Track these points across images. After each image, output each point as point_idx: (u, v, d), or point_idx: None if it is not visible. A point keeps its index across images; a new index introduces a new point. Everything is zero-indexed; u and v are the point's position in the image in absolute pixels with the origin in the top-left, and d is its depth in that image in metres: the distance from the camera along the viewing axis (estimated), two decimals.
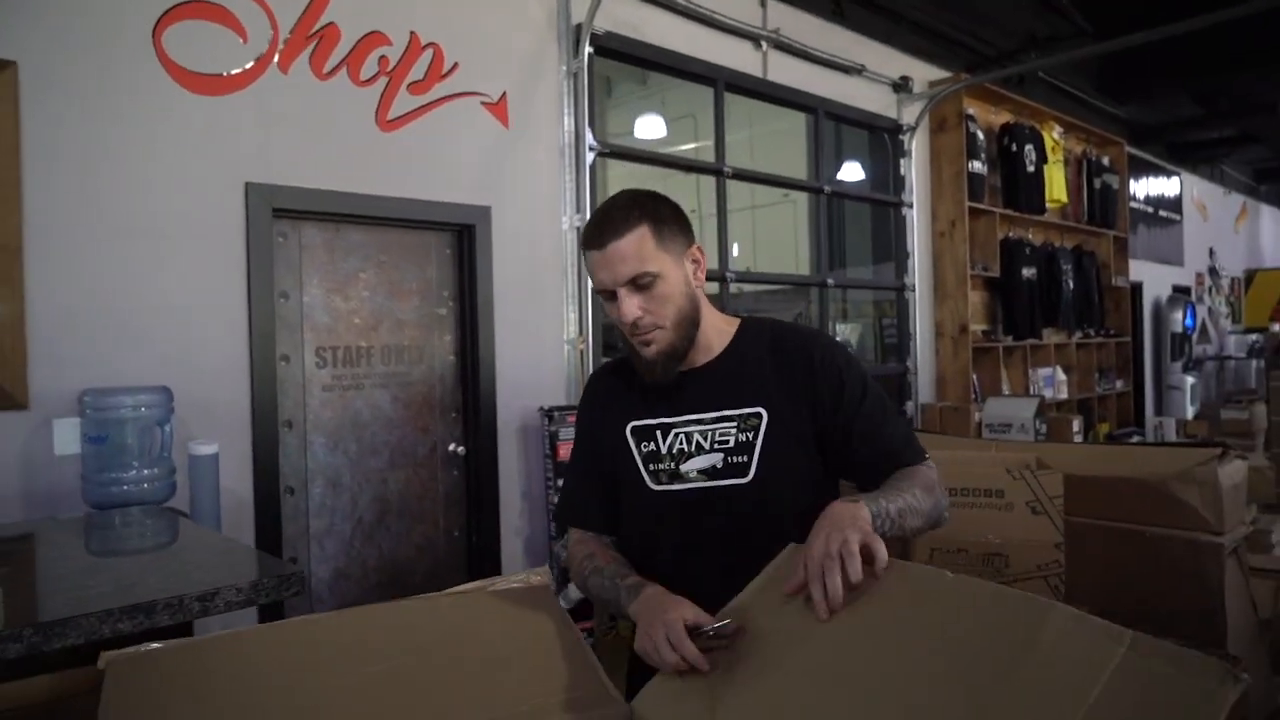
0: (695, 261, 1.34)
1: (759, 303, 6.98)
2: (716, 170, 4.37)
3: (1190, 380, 8.69)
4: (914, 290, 5.51)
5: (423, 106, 3.26)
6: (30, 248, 2.40)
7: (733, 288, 4.50)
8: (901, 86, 5.51)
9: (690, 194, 8.17)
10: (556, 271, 3.70)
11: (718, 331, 1.39)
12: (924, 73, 5.70)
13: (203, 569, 1.52)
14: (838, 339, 5.21)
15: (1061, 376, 6.61)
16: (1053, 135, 6.64)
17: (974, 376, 5.70)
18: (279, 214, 2.92)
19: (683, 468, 1.32)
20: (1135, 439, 6.60)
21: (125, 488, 2.34)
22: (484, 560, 3.40)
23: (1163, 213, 9.17)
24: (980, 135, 5.90)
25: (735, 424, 1.31)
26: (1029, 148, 6.23)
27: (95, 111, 2.52)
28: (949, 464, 2.80)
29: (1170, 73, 6.67)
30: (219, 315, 2.76)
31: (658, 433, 1.35)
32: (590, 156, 3.72)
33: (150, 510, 2.28)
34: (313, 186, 2.96)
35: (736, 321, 1.43)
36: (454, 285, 3.44)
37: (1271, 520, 3.36)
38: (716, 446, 1.31)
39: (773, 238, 6.69)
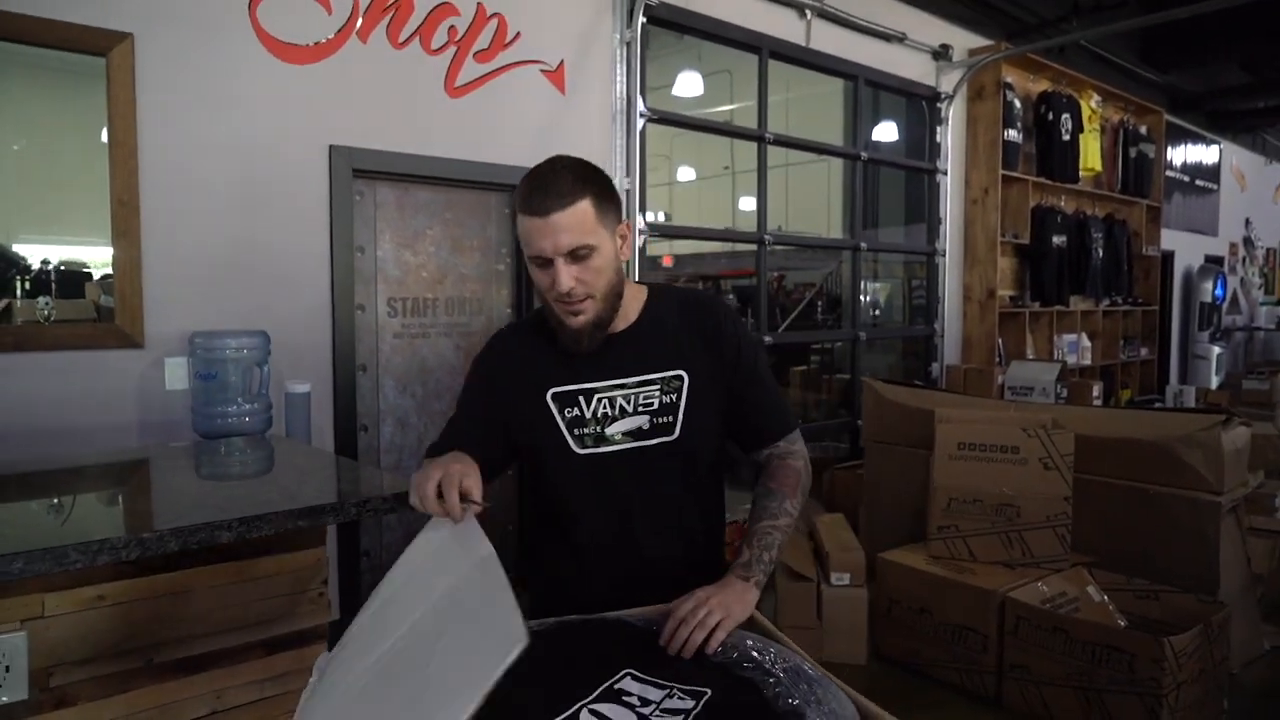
0: (623, 236, 1.37)
1: (789, 260, 7.16)
2: (759, 137, 4.55)
3: (1217, 350, 8.78)
4: (944, 255, 5.68)
5: (487, 74, 3.48)
6: (145, 203, 2.67)
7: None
8: (941, 55, 5.61)
9: (724, 152, 8.32)
10: None
11: (632, 298, 1.43)
12: (964, 40, 5.79)
13: (343, 483, 1.80)
14: (860, 299, 5.41)
15: (1086, 343, 6.77)
16: (1090, 104, 6.70)
17: (999, 340, 5.89)
18: (357, 174, 3.17)
19: (608, 431, 1.37)
20: (1156, 406, 6.76)
21: (229, 420, 2.64)
22: None
23: (1199, 182, 9.17)
24: (1017, 103, 5.99)
25: (658, 386, 1.39)
26: (1065, 116, 6.32)
27: (199, 78, 2.77)
28: (967, 423, 3.06)
29: (1218, 40, 6.65)
30: (306, 267, 3.04)
31: (580, 398, 1.38)
32: (640, 123, 3.92)
33: (260, 440, 2.57)
34: (387, 149, 3.21)
35: (644, 288, 1.48)
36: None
37: (1278, 485, 3.58)
38: (641, 409, 1.38)
39: (806, 197, 6.84)
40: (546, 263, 1.29)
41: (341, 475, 1.95)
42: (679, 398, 1.39)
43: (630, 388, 1.38)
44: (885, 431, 3.78)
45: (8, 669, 1.31)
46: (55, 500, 1.84)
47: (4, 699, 1.31)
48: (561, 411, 1.38)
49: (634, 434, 1.38)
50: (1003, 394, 5.05)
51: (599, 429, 1.38)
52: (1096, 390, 5.24)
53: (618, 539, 1.41)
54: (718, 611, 1.18)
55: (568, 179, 1.29)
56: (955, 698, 2.78)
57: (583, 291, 1.30)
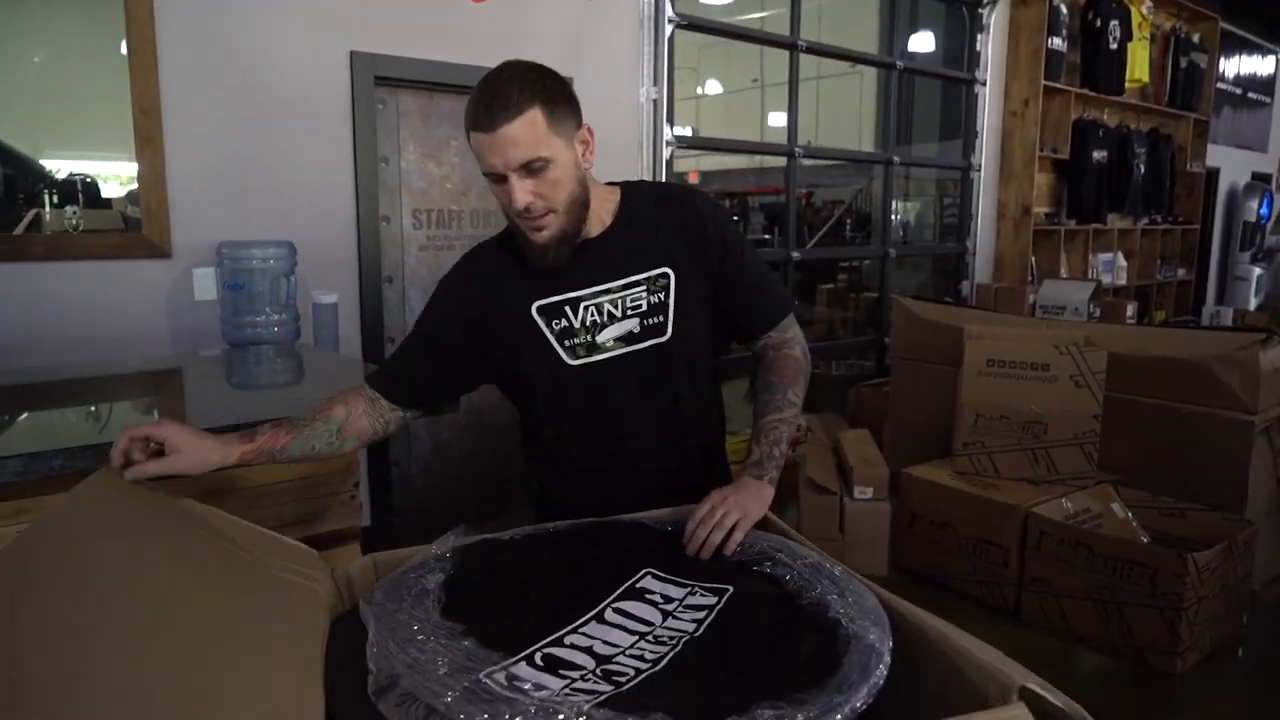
0: (584, 143, 1.29)
1: (818, 177, 7.02)
2: (790, 44, 4.40)
3: (1258, 271, 8.56)
4: (979, 170, 5.52)
5: None
6: (168, 111, 2.64)
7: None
8: None
9: (752, 65, 8.07)
10: (632, 143, 3.85)
11: (604, 201, 1.37)
12: None
13: None
14: (891, 216, 5.30)
15: (1122, 262, 6.62)
16: (1141, 9, 6.39)
17: (1032, 259, 5.77)
18: (380, 81, 3.11)
19: (599, 338, 1.34)
20: (1191, 328, 6.64)
21: (258, 330, 2.67)
22: None
23: (1252, 94, 8.79)
24: (1063, 9, 5.73)
25: (644, 287, 1.34)
26: (1114, 24, 6.04)
27: None
28: (998, 339, 3.02)
29: None
30: (329, 177, 3.01)
31: (567, 308, 1.34)
32: (669, 28, 3.80)
33: (289, 349, 2.60)
34: (410, 55, 3.14)
35: (616, 189, 1.42)
36: None
37: None
38: (630, 312, 1.34)
39: (837, 113, 6.65)
40: (500, 179, 1.23)
41: None
42: (667, 296, 1.35)
43: (616, 291, 1.34)
44: (913, 349, 3.75)
45: None
46: (92, 407, 1.88)
47: None
48: (549, 324, 1.34)
49: (626, 339, 1.34)
50: (1034, 313, 4.97)
51: (590, 337, 1.34)
52: (1130, 310, 5.14)
53: (615, 457, 1.39)
54: (735, 512, 1.17)
55: (514, 88, 1.19)
56: (974, 609, 2.82)
57: (542, 206, 1.24)
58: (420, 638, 0.89)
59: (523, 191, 1.22)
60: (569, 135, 1.26)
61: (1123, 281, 6.64)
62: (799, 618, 0.92)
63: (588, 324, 1.33)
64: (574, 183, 1.27)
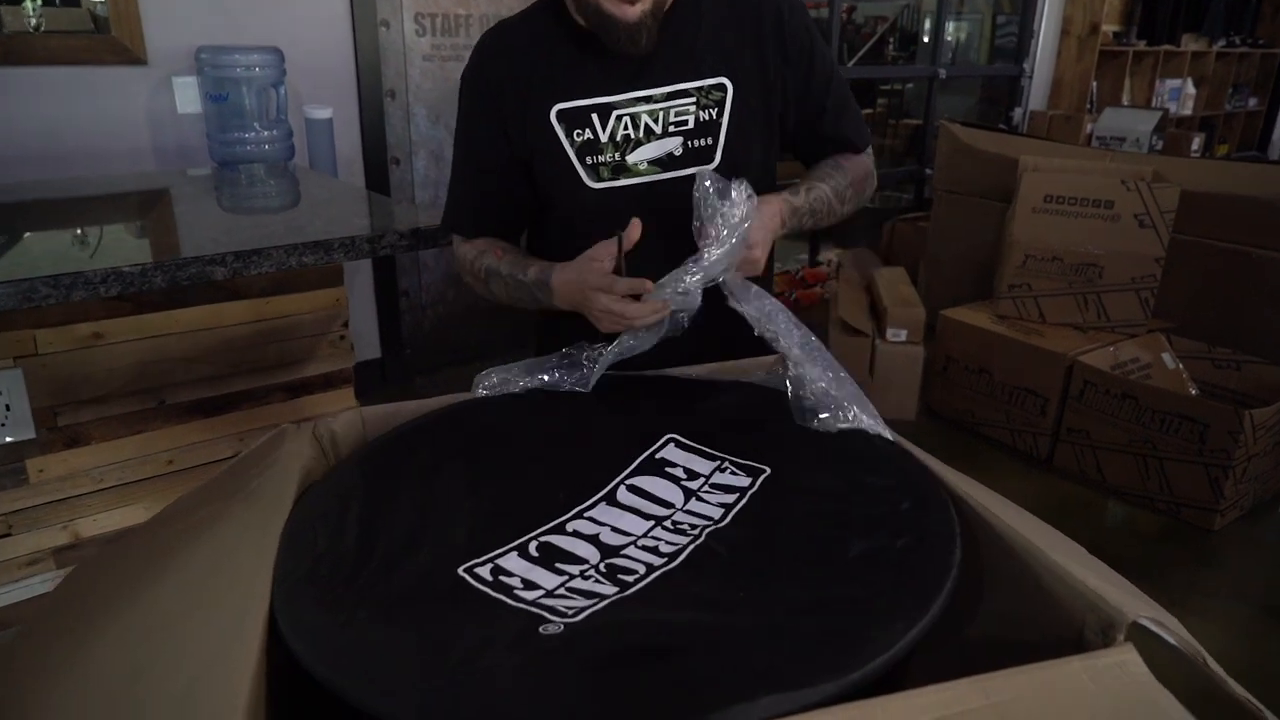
0: None
1: None
2: None
3: None
4: None
5: None
6: None
7: None
8: None
9: None
10: None
11: None
12: None
13: (359, 216, 1.61)
14: (942, 34, 4.83)
15: (1190, 90, 6.09)
16: None
17: (1093, 85, 5.30)
18: None
19: (629, 158, 1.09)
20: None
21: (248, 147, 2.44)
22: None
23: None
24: None
25: (694, 100, 1.08)
26: None
27: None
28: (1058, 172, 2.74)
29: None
30: None
31: (594, 116, 1.09)
32: None
33: (283, 169, 2.38)
34: None
35: None
36: None
37: None
38: (673, 129, 1.09)
39: None
40: None
41: (373, 210, 1.76)
42: (720, 114, 1.08)
43: (658, 101, 1.07)
44: (959, 181, 3.46)
45: (8, 407, 1.23)
46: (79, 230, 1.69)
47: (10, 438, 1.24)
48: (570, 134, 1.08)
49: (662, 162, 1.09)
50: (1089, 143, 4.60)
51: (617, 156, 1.08)
52: (1196, 143, 4.76)
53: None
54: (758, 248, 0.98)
55: None
56: (1004, 456, 2.72)
57: None
58: (393, 515, 0.76)
59: None
60: None
61: (1188, 111, 6.13)
62: (848, 513, 0.75)
63: (618, 139, 1.08)
64: None
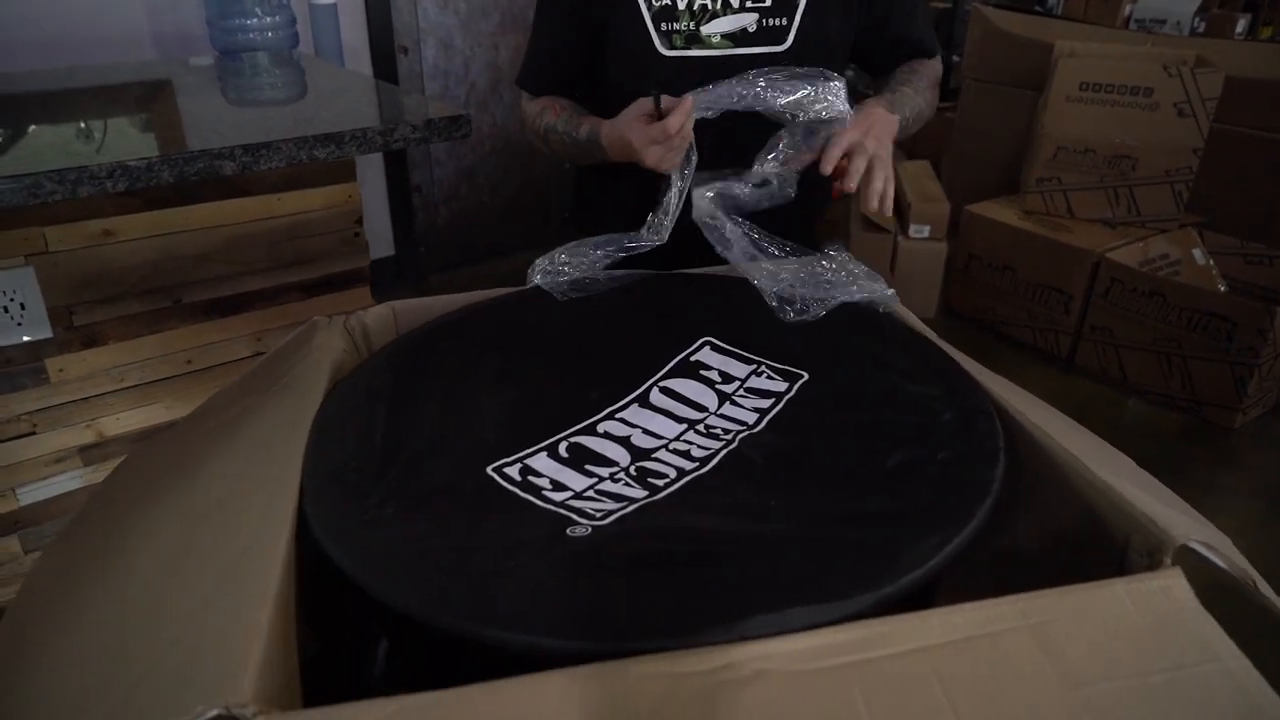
0: None
1: None
2: None
3: None
4: None
5: None
6: None
7: None
8: None
9: None
10: None
11: None
12: None
13: (371, 107, 1.55)
14: None
15: None
16: None
17: None
18: None
19: (704, 29, 1.09)
20: None
21: (251, 35, 2.35)
22: None
23: None
24: None
25: None
26: None
27: None
28: (1095, 58, 2.62)
29: None
30: None
31: None
32: None
33: (288, 59, 2.30)
34: None
35: None
36: None
37: None
38: (750, 4, 1.08)
39: None
40: None
41: (383, 101, 1.69)
42: None
43: None
44: (989, 68, 3.31)
45: (23, 306, 1.21)
46: (82, 124, 1.64)
47: (27, 337, 1.23)
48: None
49: (735, 38, 1.08)
50: (1127, 26, 4.38)
51: (692, 25, 1.08)
52: (1241, 25, 4.52)
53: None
54: (883, 159, 0.97)
55: None
56: (1024, 356, 2.70)
57: None
58: (422, 411, 0.75)
59: None
60: None
61: None
62: (886, 421, 0.73)
63: (695, 8, 1.07)
64: None
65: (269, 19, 2.35)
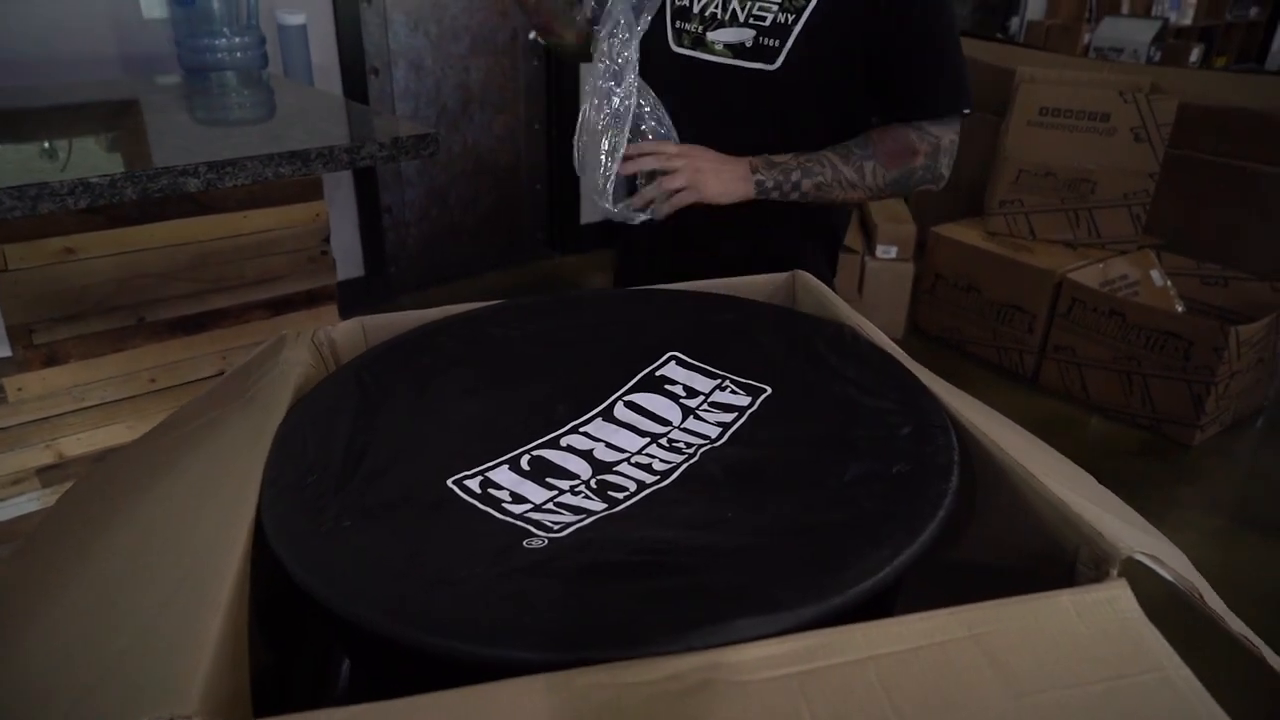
0: None
1: None
2: None
3: None
4: None
5: None
6: None
7: None
8: None
9: None
10: None
11: None
12: None
13: (339, 126, 1.56)
14: None
15: None
16: None
17: None
18: None
19: (709, 35, 1.13)
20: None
21: (219, 55, 2.35)
22: (563, 147, 3.44)
23: None
24: None
25: (779, 1, 1.10)
26: None
27: None
28: (1055, 84, 2.68)
29: None
30: None
31: None
32: None
33: (256, 79, 2.30)
34: None
35: None
36: None
37: None
38: (752, 20, 1.11)
39: None
40: None
41: (352, 120, 1.70)
42: (795, 21, 1.07)
43: None
44: None
45: None
46: (46, 144, 1.63)
47: None
48: None
49: (735, 48, 1.11)
50: (1087, 54, 4.50)
51: (700, 29, 1.13)
52: (1195, 54, 4.67)
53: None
54: (685, 175, 1.03)
55: None
56: (990, 374, 2.73)
57: None
58: (385, 424, 0.75)
59: None
60: None
61: (1187, 21, 5.99)
62: (844, 436, 0.74)
63: (706, 14, 1.13)
64: None
65: (238, 39, 2.35)
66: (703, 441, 0.76)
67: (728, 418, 0.79)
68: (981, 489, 0.68)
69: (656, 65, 1.15)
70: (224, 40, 2.34)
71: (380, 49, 2.96)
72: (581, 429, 0.78)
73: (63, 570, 0.60)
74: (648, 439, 0.77)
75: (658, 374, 0.86)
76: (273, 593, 0.57)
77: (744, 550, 0.59)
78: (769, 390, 0.82)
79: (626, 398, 0.82)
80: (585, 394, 0.82)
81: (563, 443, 0.76)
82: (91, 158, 1.29)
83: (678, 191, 1.02)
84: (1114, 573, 0.52)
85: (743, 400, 0.82)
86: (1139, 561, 0.52)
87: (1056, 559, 0.58)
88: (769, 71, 1.09)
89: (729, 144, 1.11)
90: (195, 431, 0.77)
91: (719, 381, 0.85)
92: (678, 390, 0.84)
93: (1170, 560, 0.52)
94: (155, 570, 0.54)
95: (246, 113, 1.85)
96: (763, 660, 0.45)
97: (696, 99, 1.14)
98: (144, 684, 0.41)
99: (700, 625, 0.49)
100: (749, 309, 1.00)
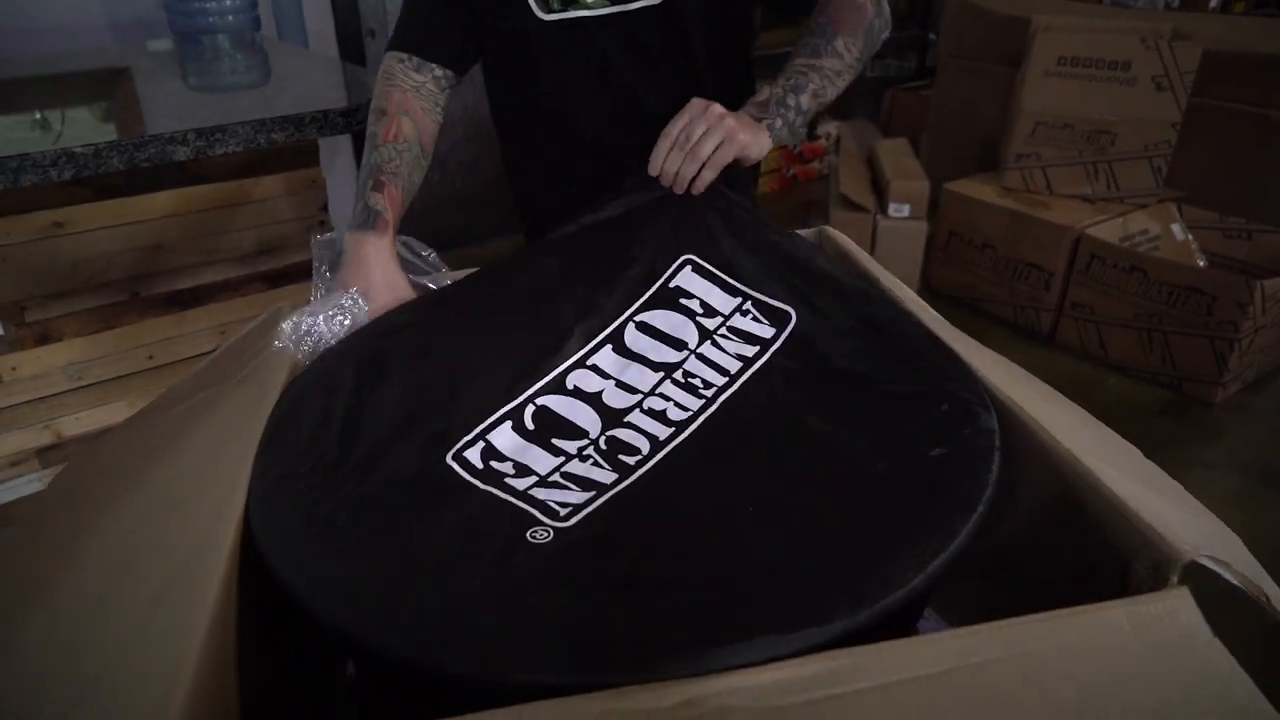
0: None
1: None
2: None
3: None
4: None
5: None
6: None
7: None
8: None
9: None
10: None
11: None
12: None
13: (335, 90, 1.50)
14: None
15: None
16: None
17: None
18: None
19: None
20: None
21: (210, 18, 2.27)
22: None
23: None
24: None
25: None
26: None
27: None
28: (1072, 32, 2.59)
29: None
30: None
31: None
32: None
33: (249, 42, 2.23)
34: None
35: None
36: None
37: None
38: None
39: None
40: None
41: (350, 83, 1.63)
42: None
43: None
44: (967, 46, 3.28)
45: None
46: (38, 114, 1.58)
47: None
48: None
49: None
50: (1103, 1, 4.37)
51: None
52: None
53: (594, 151, 1.05)
54: (716, 132, 0.86)
55: None
56: (1005, 333, 2.68)
57: None
58: (383, 396, 0.71)
59: None
60: None
61: None
62: (874, 406, 0.68)
63: None
64: None
65: (229, 1, 2.28)
66: (722, 378, 0.71)
67: (749, 350, 0.74)
68: (1023, 474, 0.62)
69: (519, 49, 1.03)
70: (215, 3, 2.26)
71: (376, 11, 2.87)
72: (589, 361, 0.73)
73: (49, 571, 0.57)
74: (661, 374, 0.72)
75: (672, 285, 0.79)
76: (267, 592, 0.54)
77: (763, 555, 0.54)
78: (794, 318, 0.77)
79: (638, 318, 0.76)
80: (593, 309, 0.76)
81: (570, 384, 0.71)
82: (79, 128, 1.24)
83: (715, 151, 0.89)
84: (1174, 579, 0.47)
85: (766, 331, 0.76)
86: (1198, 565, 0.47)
87: (1109, 559, 0.52)
88: (655, 6, 0.98)
89: (653, 101, 0.99)
90: (189, 412, 0.73)
91: (740, 301, 0.78)
92: (694, 306, 0.78)
93: (1235, 559, 0.47)
94: (136, 579, 0.50)
95: (239, 77, 1.79)
96: (783, 684, 0.41)
97: (594, 64, 1.02)
98: (118, 714, 0.37)
99: (718, 644, 0.44)
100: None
